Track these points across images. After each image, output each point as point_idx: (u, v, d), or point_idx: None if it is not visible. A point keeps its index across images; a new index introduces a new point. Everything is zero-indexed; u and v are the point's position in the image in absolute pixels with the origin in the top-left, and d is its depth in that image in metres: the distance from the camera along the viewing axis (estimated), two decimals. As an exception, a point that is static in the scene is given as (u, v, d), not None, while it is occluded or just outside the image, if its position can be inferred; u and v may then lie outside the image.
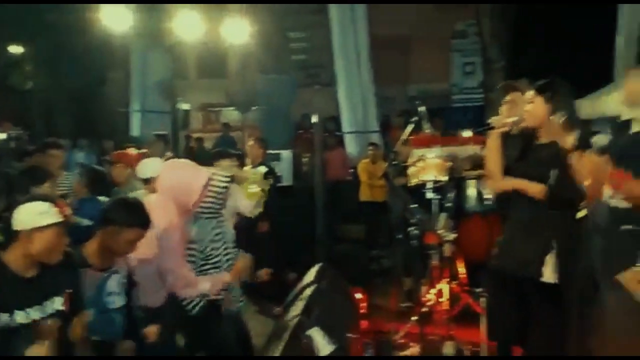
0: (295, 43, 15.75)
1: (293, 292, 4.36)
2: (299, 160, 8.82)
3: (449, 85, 15.93)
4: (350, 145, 10.49)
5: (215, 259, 3.28)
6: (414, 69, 15.56)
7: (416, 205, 3.49)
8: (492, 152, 3.31)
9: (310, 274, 4.37)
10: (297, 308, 3.83)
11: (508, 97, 3.56)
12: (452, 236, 3.24)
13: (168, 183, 3.08)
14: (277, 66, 10.81)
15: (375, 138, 10.01)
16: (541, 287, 3.13)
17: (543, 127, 3.12)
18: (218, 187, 3.23)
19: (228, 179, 3.34)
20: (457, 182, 4.47)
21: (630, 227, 1.41)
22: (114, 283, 2.66)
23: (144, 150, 5.05)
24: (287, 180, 7.41)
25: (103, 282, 2.63)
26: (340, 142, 10.51)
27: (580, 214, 2.58)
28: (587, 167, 2.55)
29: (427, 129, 4.46)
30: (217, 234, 3.30)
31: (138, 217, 2.63)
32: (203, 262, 3.22)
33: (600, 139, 2.56)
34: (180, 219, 3.00)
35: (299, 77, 14.78)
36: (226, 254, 3.33)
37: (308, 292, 3.97)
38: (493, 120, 3.34)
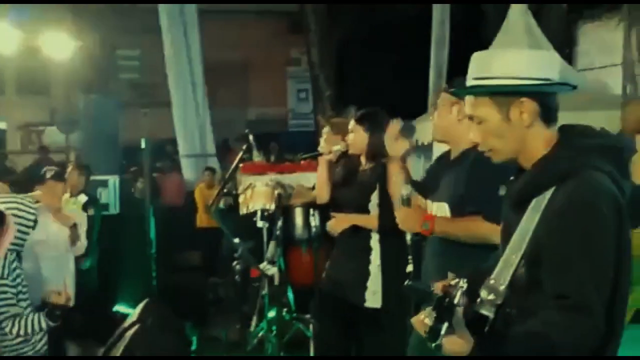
0: (126, 61, 15.08)
1: (116, 332, 4.08)
2: (130, 186, 8.38)
3: (286, 110, 16.38)
4: (187, 170, 10.23)
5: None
6: (254, 93, 15.78)
7: (238, 240, 3.44)
8: (321, 177, 3.45)
9: (135, 312, 4.12)
10: (118, 351, 3.58)
11: (325, 130, 3.71)
12: (273, 270, 3.24)
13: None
14: (104, 85, 10.22)
15: (213, 162, 9.88)
16: (366, 312, 3.26)
17: (364, 154, 3.32)
18: (25, 217, 2.91)
19: (35, 208, 3.03)
20: (284, 209, 4.51)
21: (410, 283, 1.51)
22: None
23: None
24: (114, 209, 6.98)
25: None
26: (177, 166, 10.21)
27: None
28: (399, 218, 2.57)
29: (257, 156, 4.47)
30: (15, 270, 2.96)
31: None
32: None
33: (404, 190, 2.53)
34: None
35: (132, 97, 14.15)
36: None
37: (130, 333, 3.72)
38: (321, 148, 3.47)
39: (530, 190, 1.51)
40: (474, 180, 2.40)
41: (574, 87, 1.55)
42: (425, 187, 2.73)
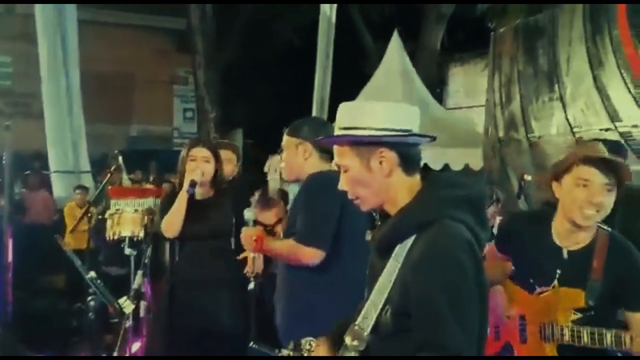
0: (-5, 67, 14.04)
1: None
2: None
3: (171, 128, 16.03)
4: (58, 186, 9.62)
5: None
6: (137, 109, 15.31)
7: (93, 274, 3.26)
8: (181, 210, 3.30)
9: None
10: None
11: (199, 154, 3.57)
12: (131, 307, 3.10)
13: None
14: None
15: (87, 179, 9.37)
16: (223, 338, 3.25)
17: (209, 183, 3.38)
18: None
19: None
20: (155, 236, 4.38)
21: (254, 345, 1.59)
22: None
23: None
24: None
25: None
26: (45, 182, 9.56)
27: None
28: (241, 237, 2.80)
29: (126, 180, 4.30)
30: None
31: None
32: None
33: (247, 213, 2.84)
34: None
35: (2, 106, 13.21)
36: None
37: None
38: (194, 175, 3.32)
39: (393, 238, 1.54)
40: (295, 207, 2.69)
41: (433, 138, 1.60)
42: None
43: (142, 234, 4.24)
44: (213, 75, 11.14)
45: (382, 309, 1.50)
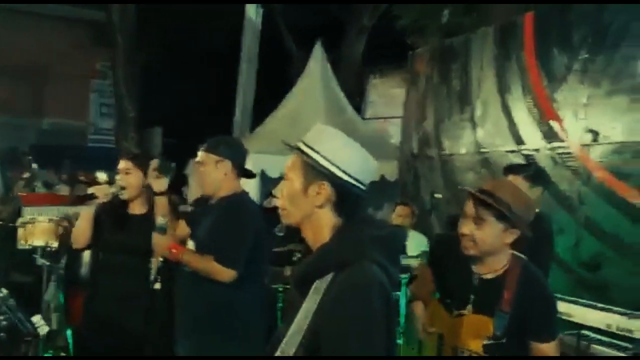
0: None
1: None
2: None
3: (86, 123, 15.41)
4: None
5: None
6: (50, 102, 14.59)
7: (5, 291, 3.15)
8: (85, 223, 3.26)
9: None
10: None
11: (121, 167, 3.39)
12: (45, 329, 3.03)
13: None
14: None
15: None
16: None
17: (139, 197, 3.32)
18: None
19: None
20: (70, 245, 4.28)
21: None
22: None
23: None
24: None
25: None
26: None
27: None
28: (154, 243, 2.98)
29: (41, 187, 4.17)
30: None
31: None
32: None
33: (160, 220, 2.97)
34: None
35: None
36: None
37: None
38: (94, 189, 3.26)
39: (311, 275, 1.58)
40: (215, 229, 2.85)
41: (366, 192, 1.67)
42: (189, 221, 3.11)
43: (56, 244, 4.14)
44: (133, 73, 10.81)
45: (297, 347, 1.53)
